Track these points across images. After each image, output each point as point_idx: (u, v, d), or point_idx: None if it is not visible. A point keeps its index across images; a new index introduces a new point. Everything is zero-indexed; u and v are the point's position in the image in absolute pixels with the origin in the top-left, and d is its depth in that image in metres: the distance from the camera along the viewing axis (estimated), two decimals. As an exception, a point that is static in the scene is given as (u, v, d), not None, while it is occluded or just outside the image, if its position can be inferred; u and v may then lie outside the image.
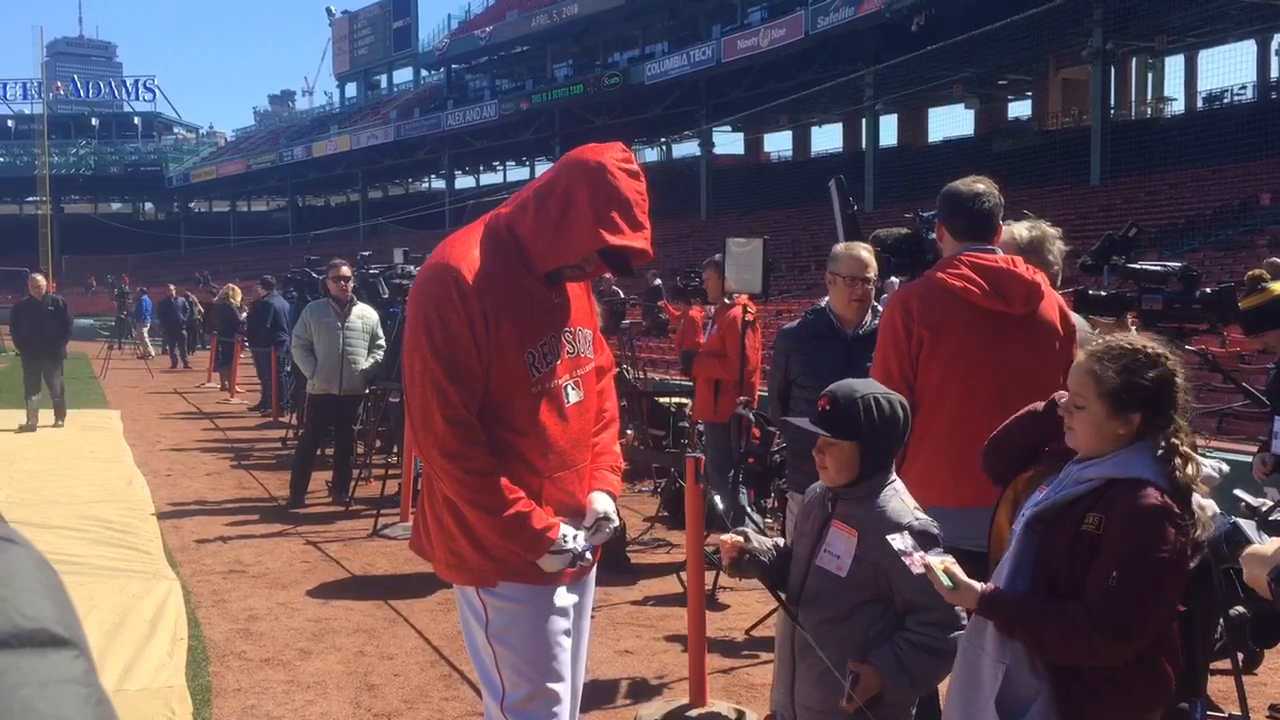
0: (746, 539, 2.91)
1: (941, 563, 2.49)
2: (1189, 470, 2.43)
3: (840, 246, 4.86)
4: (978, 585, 2.45)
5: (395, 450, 10.12)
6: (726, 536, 2.91)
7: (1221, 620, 3.94)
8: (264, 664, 5.25)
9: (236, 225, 71.61)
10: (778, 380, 5.02)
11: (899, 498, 2.84)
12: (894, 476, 2.88)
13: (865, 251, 4.76)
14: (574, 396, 2.87)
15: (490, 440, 2.72)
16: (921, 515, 2.79)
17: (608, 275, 3.08)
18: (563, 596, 2.84)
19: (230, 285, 21.54)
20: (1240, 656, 4.10)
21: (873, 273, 4.74)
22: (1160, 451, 2.45)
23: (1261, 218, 23.28)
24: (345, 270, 9.49)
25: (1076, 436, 2.54)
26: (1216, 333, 4.90)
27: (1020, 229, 4.14)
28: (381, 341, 9.51)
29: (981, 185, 3.75)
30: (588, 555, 2.82)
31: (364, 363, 9.31)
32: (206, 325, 22.66)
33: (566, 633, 2.85)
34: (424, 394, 2.69)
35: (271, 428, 14.41)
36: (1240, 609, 4.82)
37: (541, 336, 2.79)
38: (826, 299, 4.90)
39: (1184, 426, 2.49)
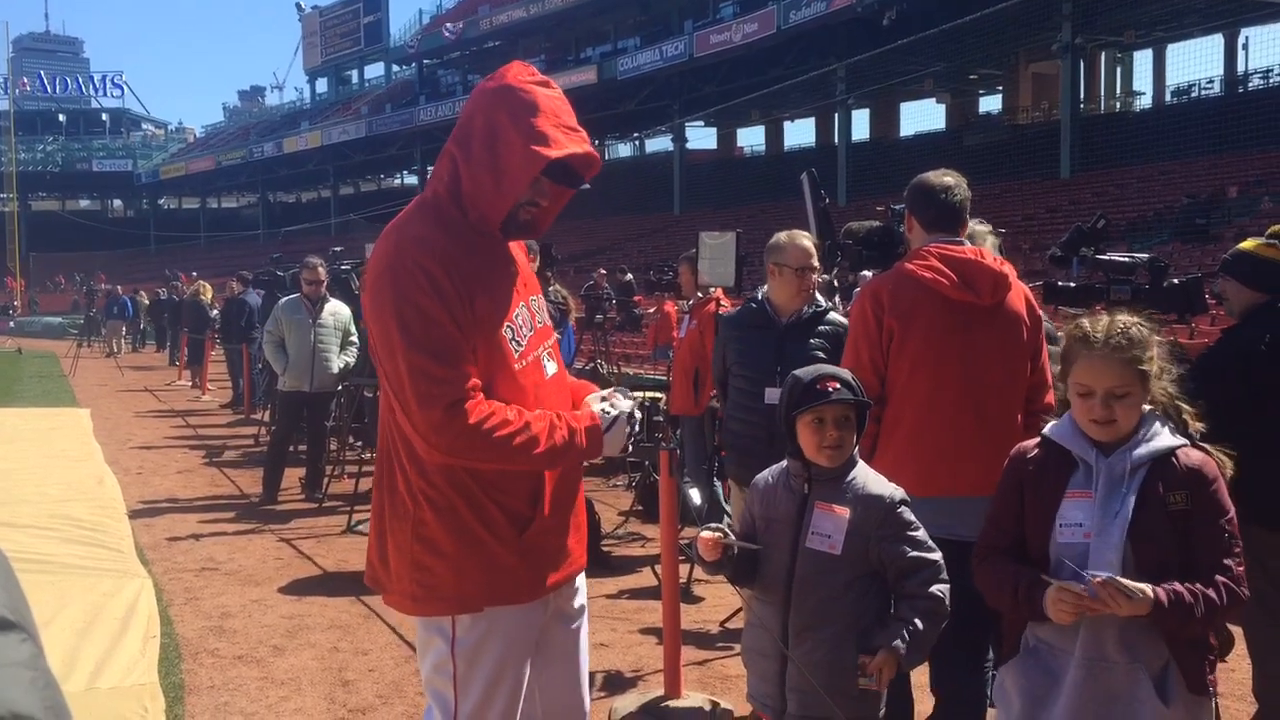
0: (726, 535, 2.90)
1: (1110, 578, 2.44)
2: (1190, 422, 2.62)
3: (782, 236, 4.81)
4: (1149, 588, 2.43)
5: (364, 448, 10.10)
6: (705, 533, 2.90)
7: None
8: (237, 661, 5.23)
9: (207, 222, 71.12)
10: (718, 368, 5.04)
11: (870, 471, 2.94)
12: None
13: (807, 240, 4.79)
14: (551, 368, 2.71)
15: None
16: (895, 485, 2.90)
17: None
18: (538, 614, 2.68)
19: (201, 282, 21.39)
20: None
21: (815, 261, 4.75)
22: (1165, 412, 2.62)
23: (1229, 210, 23.53)
24: (321, 273, 9.45)
25: (1120, 425, 2.59)
26: (1184, 323, 4.96)
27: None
28: (354, 338, 9.47)
29: (950, 179, 3.79)
30: (636, 414, 2.68)
31: (336, 360, 9.28)
32: (177, 321, 22.53)
33: (529, 655, 2.69)
34: (417, 390, 2.43)
35: (243, 425, 14.32)
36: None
37: (514, 308, 2.61)
38: (764, 289, 4.89)
39: (1172, 377, 2.66)
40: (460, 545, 2.54)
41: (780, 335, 4.69)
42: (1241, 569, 2.54)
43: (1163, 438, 2.58)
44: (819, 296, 4.84)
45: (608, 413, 2.62)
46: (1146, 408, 2.62)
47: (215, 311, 18.97)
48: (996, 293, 3.66)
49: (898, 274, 3.76)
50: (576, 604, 2.83)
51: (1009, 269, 3.75)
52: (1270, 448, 3.92)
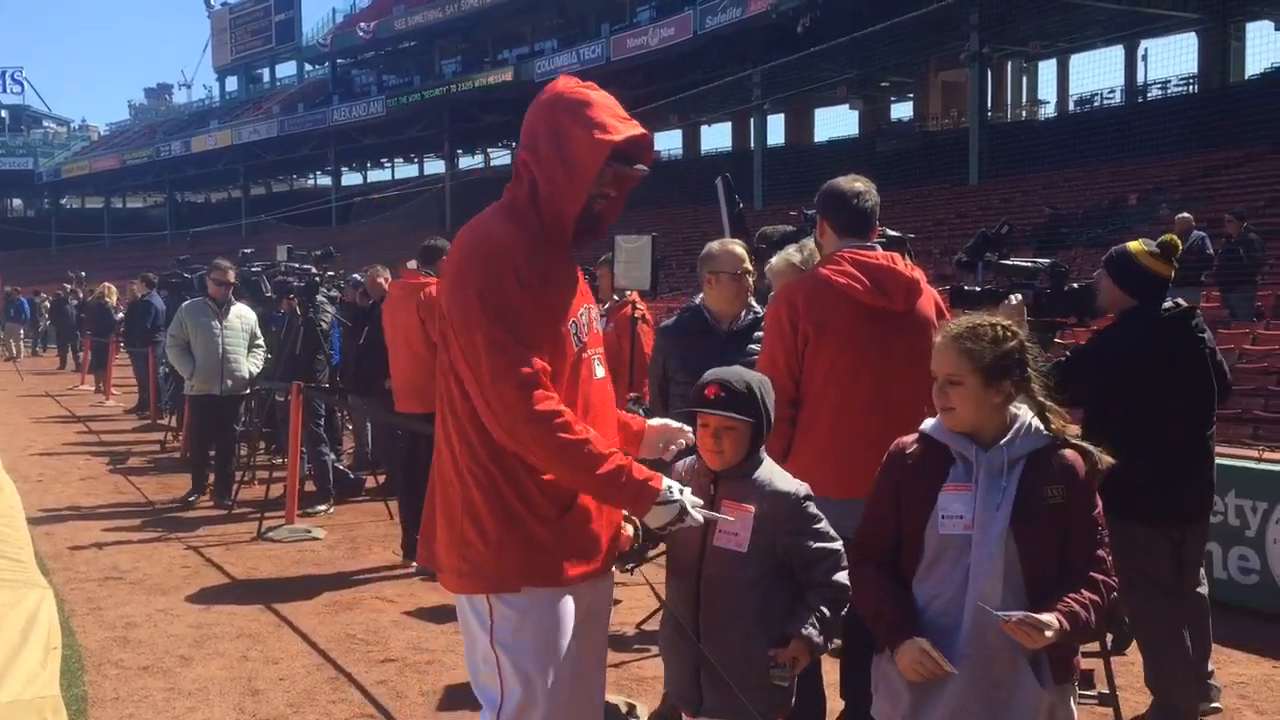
0: (637, 532, 2.92)
1: (1025, 615, 2.53)
2: (1058, 423, 2.73)
3: (715, 245, 4.89)
4: (1055, 618, 2.52)
5: (275, 452, 9.92)
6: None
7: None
8: (143, 672, 5.11)
9: (111, 222, 69.28)
10: (656, 376, 5.09)
11: (776, 468, 2.97)
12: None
13: (739, 246, 4.87)
14: (600, 372, 2.83)
15: None
16: (800, 481, 2.94)
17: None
18: (572, 604, 2.73)
19: (105, 284, 20.84)
20: (1109, 637, 4.28)
21: (749, 264, 4.81)
22: (1037, 413, 2.72)
23: (1129, 216, 24.21)
24: (231, 275, 9.29)
25: (958, 414, 2.70)
26: (1084, 325, 5.11)
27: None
28: (260, 342, 9.32)
29: (861, 184, 3.85)
30: (695, 513, 2.66)
31: (244, 363, 9.11)
32: (80, 324, 21.93)
33: (571, 640, 2.73)
34: (493, 365, 2.55)
35: (149, 430, 13.99)
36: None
37: (579, 308, 2.76)
38: (700, 296, 4.95)
39: (1042, 382, 2.75)
40: (500, 522, 2.65)
41: (722, 342, 4.75)
42: (1111, 559, 2.68)
43: (1037, 435, 2.70)
44: (753, 301, 4.91)
45: (671, 489, 2.64)
46: (1019, 408, 2.71)
47: (120, 314, 18.50)
48: (909, 298, 3.72)
49: (812, 279, 3.81)
50: (609, 604, 2.97)
51: (920, 275, 3.82)
52: (1131, 448, 4.05)
